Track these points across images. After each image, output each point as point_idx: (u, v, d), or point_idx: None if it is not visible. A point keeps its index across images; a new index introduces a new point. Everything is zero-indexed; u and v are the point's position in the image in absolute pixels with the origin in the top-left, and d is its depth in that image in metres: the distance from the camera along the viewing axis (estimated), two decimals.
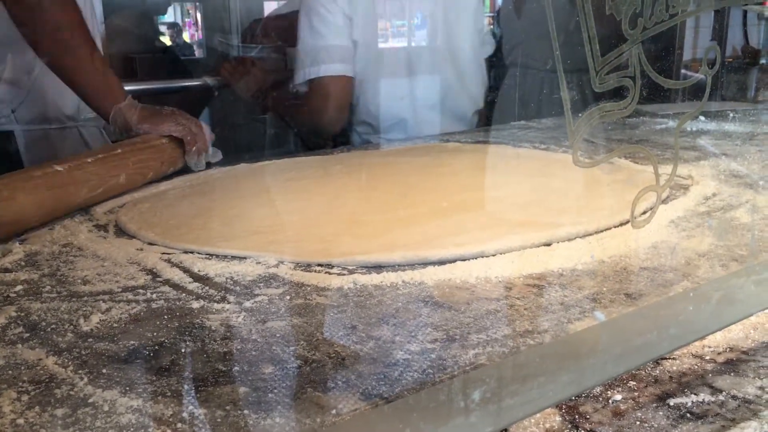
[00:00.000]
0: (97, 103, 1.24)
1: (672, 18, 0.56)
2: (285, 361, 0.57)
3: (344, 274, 0.75)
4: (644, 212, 0.84)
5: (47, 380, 0.54)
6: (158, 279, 0.75)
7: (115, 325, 0.64)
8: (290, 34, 2.09)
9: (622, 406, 0.52)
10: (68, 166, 1.00)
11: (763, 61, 2.46)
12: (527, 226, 0.88)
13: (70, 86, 1.24)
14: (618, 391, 0.53)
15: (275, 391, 0.53)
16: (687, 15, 0.57)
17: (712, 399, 0.53)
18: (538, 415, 0.50)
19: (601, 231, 0.87)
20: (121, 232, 0.93)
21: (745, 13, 2.49)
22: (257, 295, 0.70)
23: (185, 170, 1.28)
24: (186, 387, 0.53)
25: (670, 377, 0.56)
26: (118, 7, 2.11)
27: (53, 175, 0.97)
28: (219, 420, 0.49)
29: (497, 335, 0.61)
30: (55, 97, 1.41)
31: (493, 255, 0.79)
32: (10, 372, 0.56)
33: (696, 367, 0.57)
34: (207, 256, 0.82)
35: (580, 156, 0.62)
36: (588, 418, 0.50)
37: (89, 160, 1.05)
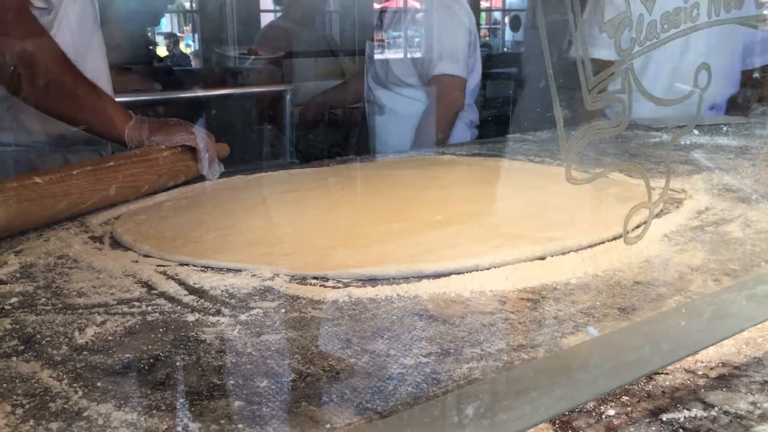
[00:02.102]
0: (106, 131, 1.25)
1: (664, 38, 0.57)
2: (280, 375, 0.57)
3: (339, 287, 0.76)
4: (637, 226, 0.85)
5: (42, 393, 0.54)
6: (153, 291, 0.76)
7: (110, 338, 0.64)
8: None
9: (615, 421, 0.52)
10: (49, 178, 0.99)
11: (756, 75, 2.47)
12: (521, 239, 0.88)
13: (77, 125, 1.24)
14: (611, 406, 0.54)
15: (270, 405, 0.53)
16: (679, 35, 0.58)
17: (705, 414, 0.53)
18: (531, 430, 0.50)
19: (595, 245, 0.87)
20: (116, 243, 0.93)
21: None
22: (252, 308, 0.71)
23: (185, 182, 1.28)
24: (181, 401, 0.53)
25: (663, 392, 0.56)
26: (111, 18, 2.12)
27: (30, 187, 0.96)
28: None
29: (491, 349, 0.61)
30: (33, 125, 1.37)
31: (488, 268, 0.80)
32: (5, 385, 0.56)
33: (688, 382, 0.58)
34: (202, 268, 0.82)
35: (574, 171, 0.63)
36: None
37: (75, 172, 1.04)
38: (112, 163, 1.12)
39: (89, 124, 1.24)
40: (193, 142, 1.25)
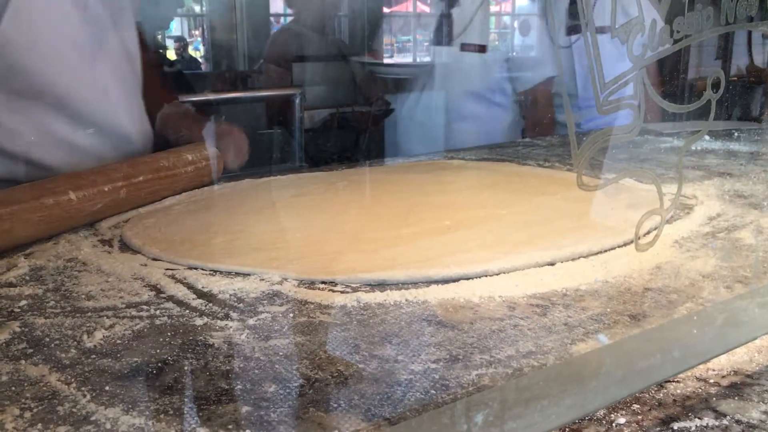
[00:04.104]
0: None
1: (676, 43, 0.56)
2: (288, 380, 0.57)
3: (348, 292, 0.75)
4: (648, 232, 0.84)
5: (50, 397, 0.54)
6: (162, 295, 0.76)
7: (118, 341, 0.64)
8: None
9: (626, 430, 0.51)
10: (83, 194, 0.99)
11: None
12: (531, 245, 0.88)
13: None
14: (621, 415, 0.53)
15: (278, 410, 0.52)
16: (692, 40, 0.58)
17: (716, 423, 0.52)
18: None
19: (606, 251, 0.87)
20: (125, 247, 0.93)
21: (749, 32, 2.50)
22: (261, 312, 0.70)
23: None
24: (188, 405, 0.53)
25: (674, 401, 0.55)
26: None
27: (64, 205, 0.96)
28: None
29: (500, 356, 0.61)
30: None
31: (497, 274, 0.79)
32: (13, 388, 0.56)
33: (700, 390, 0.57)
34: (211, 272, 0.82)
35: (585, 177, 0.62)
36: None
37: (107, 188, 1.05)
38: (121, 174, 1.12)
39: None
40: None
